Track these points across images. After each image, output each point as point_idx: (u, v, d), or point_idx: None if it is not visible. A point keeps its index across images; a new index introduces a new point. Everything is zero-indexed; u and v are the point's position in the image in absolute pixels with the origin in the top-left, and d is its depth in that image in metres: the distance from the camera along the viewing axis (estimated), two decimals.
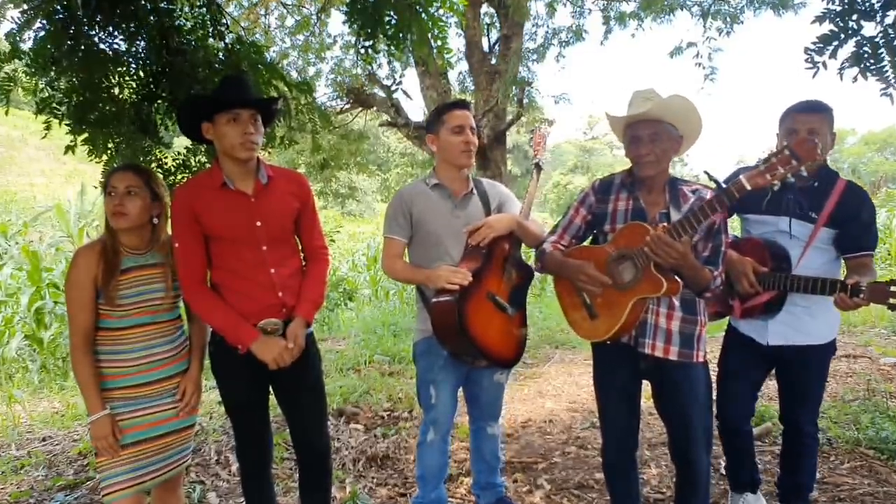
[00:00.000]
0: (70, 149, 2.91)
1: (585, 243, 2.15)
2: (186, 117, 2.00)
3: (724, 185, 1.77)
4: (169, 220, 1.99)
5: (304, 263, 2.15)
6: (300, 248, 2.15)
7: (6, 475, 3.14)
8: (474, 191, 2.34)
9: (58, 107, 2.82)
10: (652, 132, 1.89)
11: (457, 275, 2.11)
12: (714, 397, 2.08)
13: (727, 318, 2.34)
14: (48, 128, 2.85)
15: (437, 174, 2.33)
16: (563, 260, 2.05)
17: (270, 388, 2.10)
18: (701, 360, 1.95)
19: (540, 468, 3.07)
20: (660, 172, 1.95)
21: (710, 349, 2.12)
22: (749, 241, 2.20)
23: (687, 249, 1.77)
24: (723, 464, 2.63)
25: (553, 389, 4.42)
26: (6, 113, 2.96)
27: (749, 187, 1.69)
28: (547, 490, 2.82)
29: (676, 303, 1.94)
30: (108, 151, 2.94)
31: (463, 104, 2.31)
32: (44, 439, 3.68)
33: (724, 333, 2.42)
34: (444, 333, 2.16)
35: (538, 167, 2.51)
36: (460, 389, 2.42)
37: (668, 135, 1.90)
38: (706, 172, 1.91)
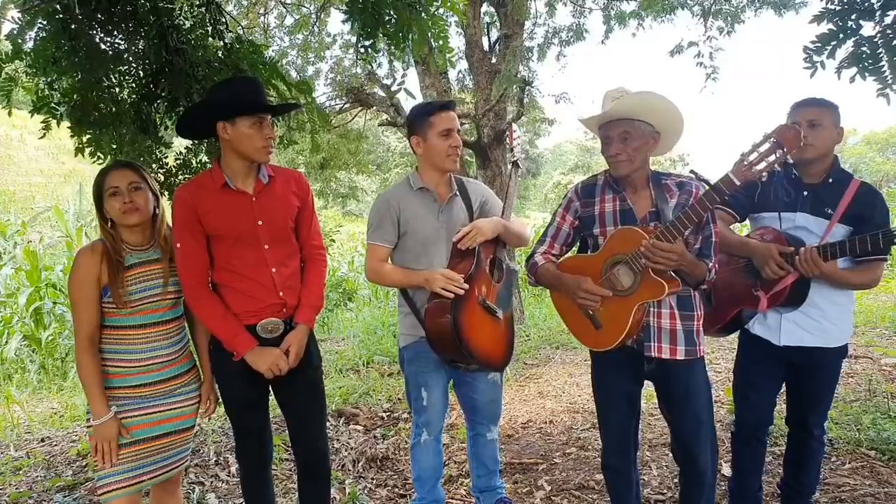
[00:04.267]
0: (79, 151, 2.90)
1: (574, 251, 2.15)
2: (202, 114, 1.99)
3: (712, 183, 1.76)
4: (168, 216, 2.00)
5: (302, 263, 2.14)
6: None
7: (5, 476, 3.13)
8: (457, 193, 2.32)
9: (56, 106, 2.81)
10: (622, 131, 1.88)
11: (451, 283, 2.09)
12: (717, 402, 2.06)
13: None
14: (47, 127, 2.84)
15: (422, 177, 2.28)
16: (558, 274, 2.04)
17: (270, 389, 2.09)
18: (701, 354, 1.95)
19: (540, 469, 3.07)
20: (637, 170, 1.93)
21: (713, 350, 2.09)
22: (761, 228, 2.15)
23: (683, 249, 1.77)
24: (723, 469, 2.62)
25: (553, 390, 4.41)
26: (9, 114, 2.93)
27: (738, 182, 1.69)
28: (547, 491, 2.81)
29: (673, 302, 1.93)
30: (113, 152, 2.93)
31: (450, 105, 2.25)
32: (42, 440, 3.67)
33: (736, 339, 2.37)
34: (438, 340, 2.14)
35: (516, 165, 2.50)
36: (453, 394, 2.41)
37: (639, 132, 1.88)
38: (693, 172, 1.91)
